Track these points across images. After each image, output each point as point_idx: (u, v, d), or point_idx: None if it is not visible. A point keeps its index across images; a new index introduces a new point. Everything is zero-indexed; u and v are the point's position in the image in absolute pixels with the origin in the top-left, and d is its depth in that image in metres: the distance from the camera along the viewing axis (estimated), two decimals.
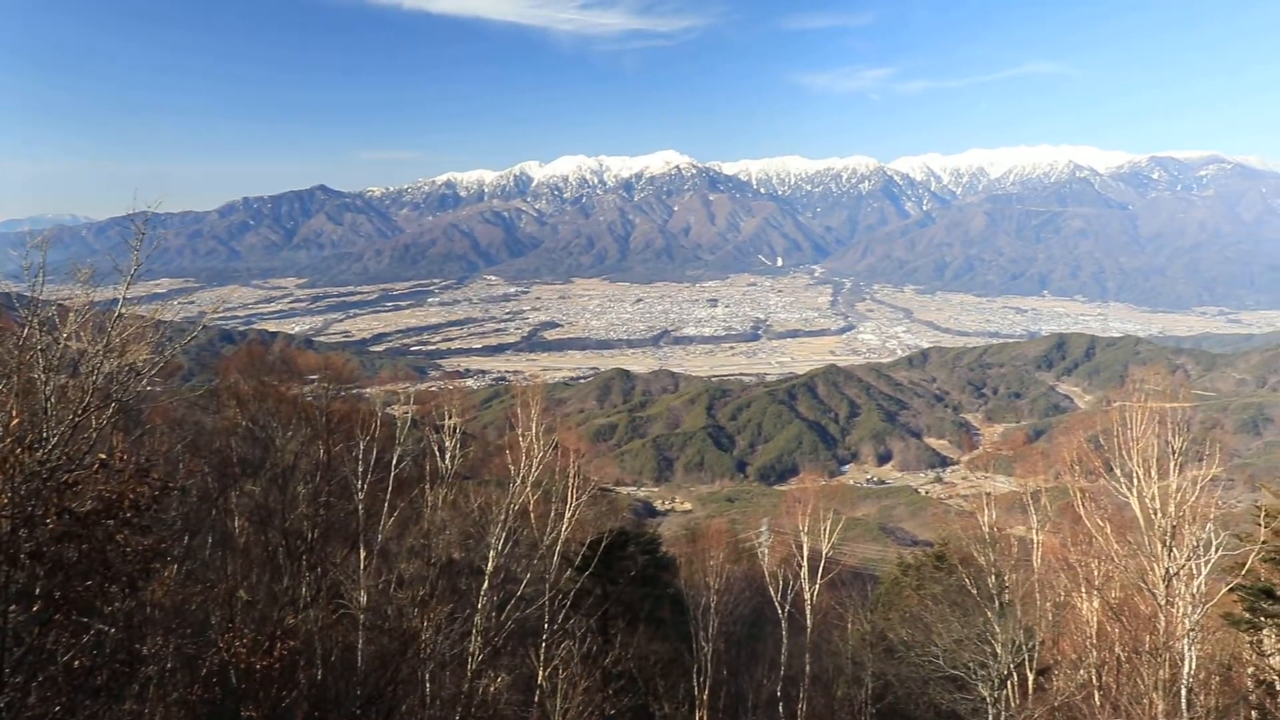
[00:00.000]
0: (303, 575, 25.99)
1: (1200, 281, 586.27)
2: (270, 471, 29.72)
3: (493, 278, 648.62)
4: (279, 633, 15.41)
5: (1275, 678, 30.47)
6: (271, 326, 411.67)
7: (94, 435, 12.58)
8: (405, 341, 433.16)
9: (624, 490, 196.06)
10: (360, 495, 28.40)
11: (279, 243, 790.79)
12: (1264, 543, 27.25)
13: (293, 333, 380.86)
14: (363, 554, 26.25)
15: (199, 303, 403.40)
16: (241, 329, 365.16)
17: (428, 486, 29.69)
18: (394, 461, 29.90)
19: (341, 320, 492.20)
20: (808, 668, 34.58)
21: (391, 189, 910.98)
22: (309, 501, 28.71)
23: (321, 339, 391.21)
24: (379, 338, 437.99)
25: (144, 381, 13.52)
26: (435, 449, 31.01)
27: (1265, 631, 31.61)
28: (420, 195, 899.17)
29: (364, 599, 23.58)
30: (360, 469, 28.68)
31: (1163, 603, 23.12)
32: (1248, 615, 31.03)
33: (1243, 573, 26.64)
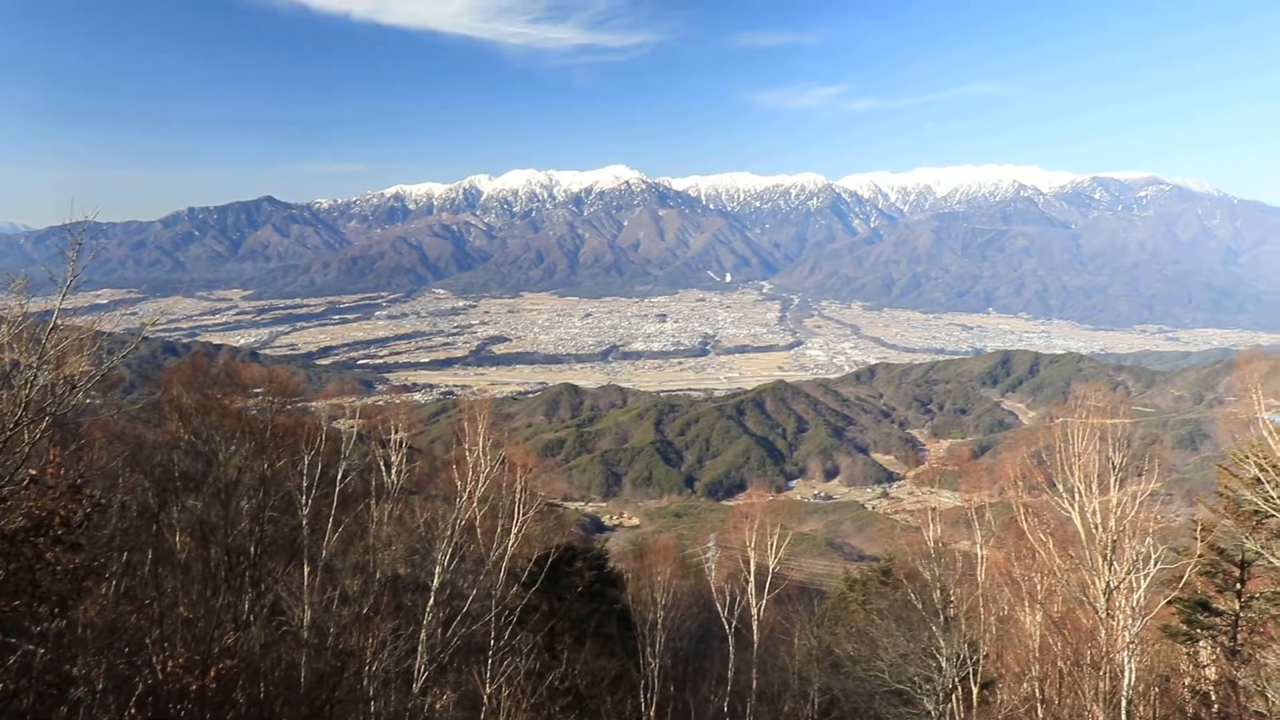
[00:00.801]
0: (244, 592, 25.60)
1: (1140, 300, 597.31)
2: (213, 486, 29.27)
3: (441, 291, 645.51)
4: (216, 651, 15.12)
5: (1211, 689, 30.95)
6: (216, 339, 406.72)
7: (27, 450, 12.30)
8: (352, 355, 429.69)
9: (572, 505, 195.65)
10: (304, 510, 28.10)
11: (224, 254, 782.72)
12: (1200, 556, 27.68)
13: (238, 345, 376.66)
14: (306, 570, 25.94)
15: (141, 314, 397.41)
16: (185, 341, 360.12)
17: (373, 501, 29.42)
18: (339, 476, 29.62)
19: (288, 333, 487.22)
20: (754, 683, 34.62)
21: (339, 201, 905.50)
22: (252, 517, 28.30)
23: (267, 352, 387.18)
24: (325, 351, 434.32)
25: (81, 394, 13.24)
26: (381, 463, 30.75)
27: (1201, 643, 32.15)
28: (369, 207, 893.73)
29: (307, 616, 23.25)
30: (305, 483, 28.40)
31: (1103, 616, 23.38)
32: (1185, 628, 31.54)
33: (1180, 586, 27.05)
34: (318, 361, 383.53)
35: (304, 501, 28.03)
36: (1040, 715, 24.89)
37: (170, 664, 13.92)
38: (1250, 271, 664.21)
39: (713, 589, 38.03)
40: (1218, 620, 31.11)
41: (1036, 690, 25.79)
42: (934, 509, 32.88)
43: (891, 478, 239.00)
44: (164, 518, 28.01)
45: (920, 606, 27.71)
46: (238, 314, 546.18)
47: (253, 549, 27.44)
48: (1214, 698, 30.38)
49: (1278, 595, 28.76)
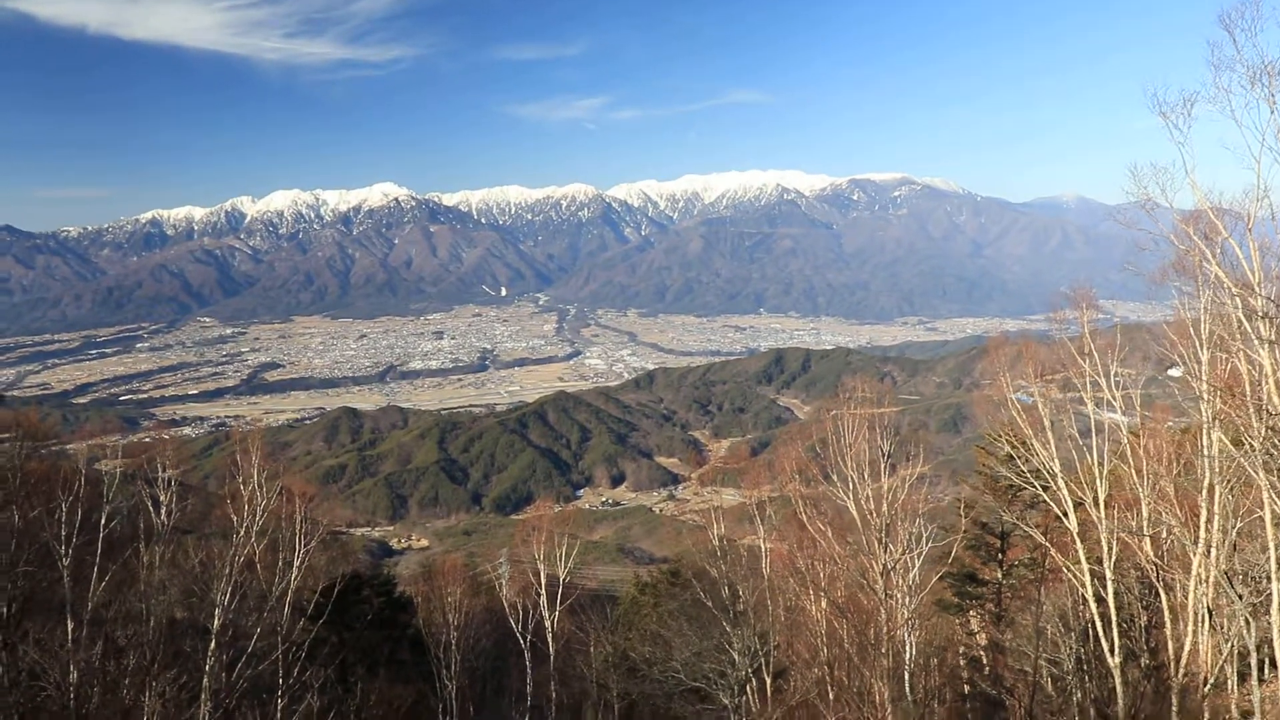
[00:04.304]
0: None
1: (900, 294, 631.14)
2: None
3: (207, 319, 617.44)
4: None
5: (981, 654, 32.90)
6: None
7: None
8: (113, 391, 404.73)
9: (358, 532, 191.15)
10: (65, 561, 26.33)
11: None
12: (965, 532, 29.44)
13: None
14: (70, 625, 24.33)
15: None
16: None
17: (142, 545, 27.93)
18: (103, 521, 27.94)
19: (38, 372, 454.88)
20: (554, 694, 34.61)
21: (90, 228, 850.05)
22: (4, 573, 26.33)
23: (15, 393, 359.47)
24: (83, 389, 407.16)
25: None
26: (150, 504, 29.24)
27: (972, 613, 34.19)
28: (123, 235, 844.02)
29: (73, 675, 21.78)
30: (64, 532, 26.61)
31: (883, 597, 24.42)
32: (956, 600, 33.50)
33: (950, 561, 28.65)
34: (75, 400, 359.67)
35: (64, 552, 26.28)
36: (831, 697, 25.77)
37: None
38: (995, 263, 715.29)
39: (505, 605, 37.84)
40: (984, 590, 33.15)
41: (827, 674, 26.69)
42: (718, 508, 33.69)
43: (677, 480, 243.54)
44: None
45: (710, 604, 28.28)
46: None
47: (5, 609, 25.57)
48: (985, 661, 32.31)
49: (1033, 561, 30.85)
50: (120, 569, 27.86)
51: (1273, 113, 14.69)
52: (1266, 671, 19.89)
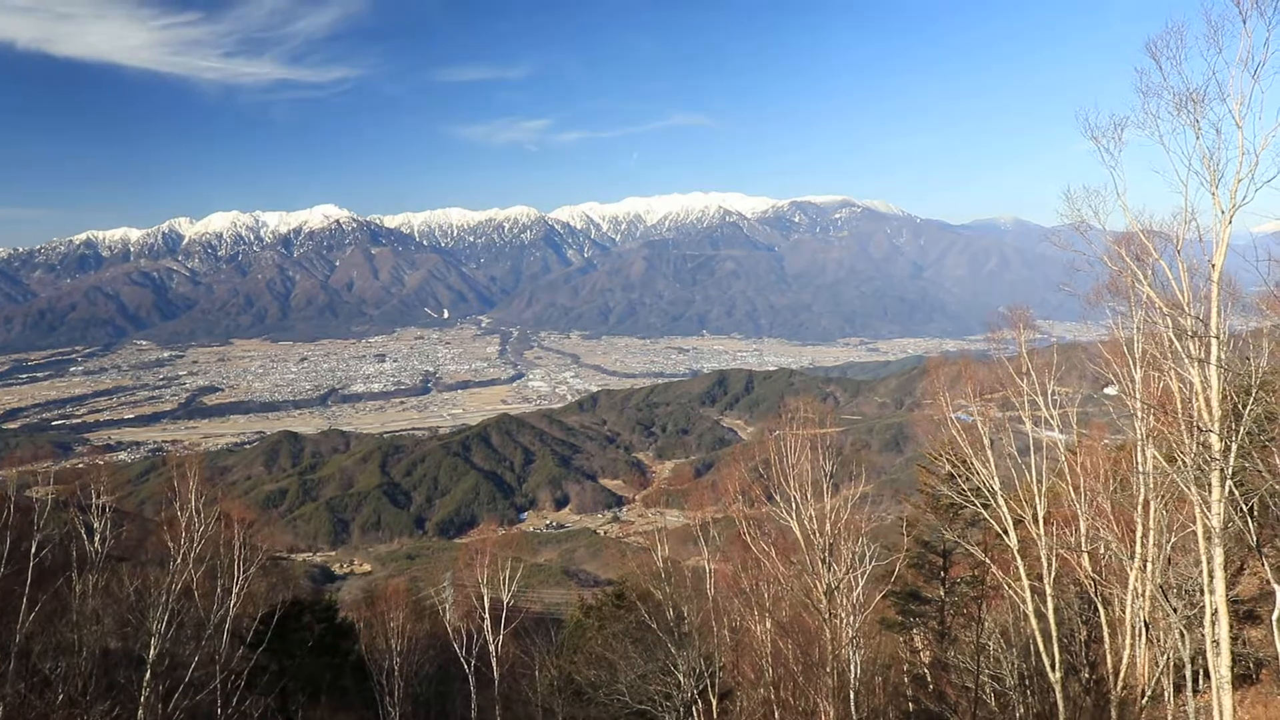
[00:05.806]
0: None
1: (841, 315, 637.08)
2: None
3: (144, 343, 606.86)
4: None
5: (925, 671, 33.13)
6: None
7: None
8: (45, 416, 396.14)
9: (299, 557, 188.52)
10: None
11: None
12: (907, 550, 29.70)
13: None
14: None
15: None
16: None
17: (74, 574, 27.32)
18: (33, 550, 27.31)
19: None
20: None
21: (21, 250, 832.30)
22: None
23: None
24: (12, 414, 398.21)
25: None
26: (83, 531, 28.62)
27: (915, 630, 34.43)
28: (56, 256, 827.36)
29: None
30: None
31: (827, 616, 24.47)
32: (900, 618, 33.73)
33: (893, 579, 28.85)
34: (4, 425, 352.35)
35: None
36: (776, 717, 25.77)
37: None
38: (935, 284, 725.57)
39: (449, 630, 37.49)
40: (927, 607, 33.42)
41: (772, 694, 26.69)
42: (662, 529, 33.68)
43: (621, 502, 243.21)
44: None
45: (655, 626, 28.19)
46: None
47: None
48: (928, 679, 32.54)
49: (975, 578, 31.16)
50: (51, 599, 27.19)
51: (1198, 138, 15.06)
52: (1201, 683, 20.25)
